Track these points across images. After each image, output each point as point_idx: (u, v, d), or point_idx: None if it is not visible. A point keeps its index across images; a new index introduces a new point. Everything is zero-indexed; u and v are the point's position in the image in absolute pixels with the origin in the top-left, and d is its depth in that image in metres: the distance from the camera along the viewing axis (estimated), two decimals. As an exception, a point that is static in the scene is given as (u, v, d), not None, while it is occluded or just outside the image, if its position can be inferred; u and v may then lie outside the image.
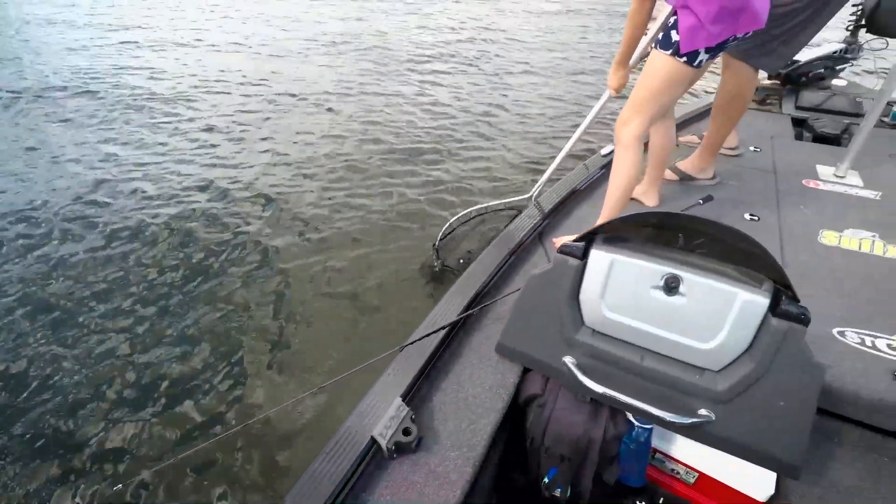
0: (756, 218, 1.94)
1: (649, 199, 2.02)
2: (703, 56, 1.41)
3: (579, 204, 2.11)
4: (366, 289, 2.47)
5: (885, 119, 2.98)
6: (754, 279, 0.95)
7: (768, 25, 1.45)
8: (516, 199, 2.72)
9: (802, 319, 0.91)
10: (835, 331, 1.39)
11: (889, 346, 1.35)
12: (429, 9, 9.51)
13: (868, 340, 1.36)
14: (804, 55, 3.58)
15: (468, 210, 2.88)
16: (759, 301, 0.92)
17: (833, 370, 1.24)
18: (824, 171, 2.35)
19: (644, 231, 1.05)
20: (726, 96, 2.03)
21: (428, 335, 1.31)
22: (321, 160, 3.72)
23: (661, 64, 1.46)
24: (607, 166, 2.27)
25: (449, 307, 1.42)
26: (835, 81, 3.44)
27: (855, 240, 1.81)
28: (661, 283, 0.99)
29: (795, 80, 3.39)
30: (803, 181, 2.27)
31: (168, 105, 4.75)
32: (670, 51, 1.42)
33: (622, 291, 1.05)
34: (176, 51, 6.56)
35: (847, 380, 1.22)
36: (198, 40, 7.07)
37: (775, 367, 0.94)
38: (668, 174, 2.23)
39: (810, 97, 3.20)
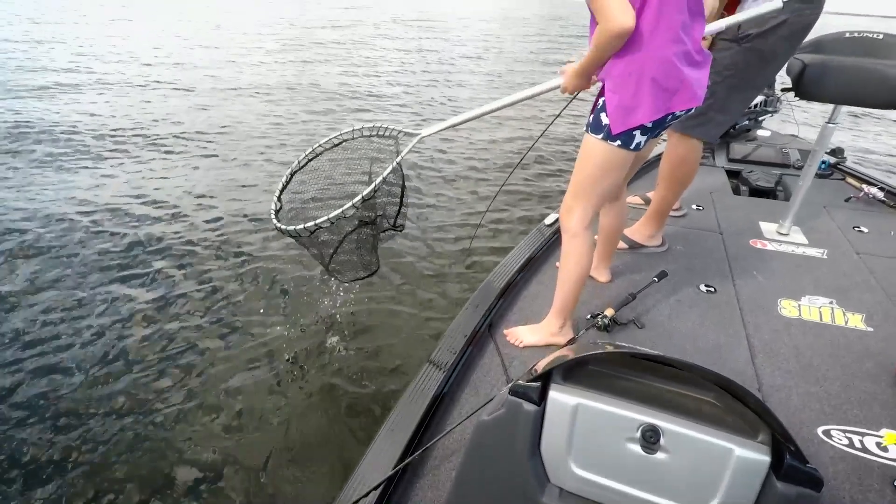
0: (712, 289, 1.85)
1: (601, 275, 1.89)
2: (639, 138, 1.26)
3: (528, 282, 1.95)
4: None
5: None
6: (749, 431, 0.78)
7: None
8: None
9: (815, 482, 0.73)
10: (820, 431, 1.26)
11: (878, 444, 1.23)
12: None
13: (856, 440, 1.23)
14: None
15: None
16: (758, 459, 0.75)
17: (830, 484, 1.09)
18: (768, 228, 2.33)
19: (611, 365, 0.87)
20: (672, 164, 1.97)
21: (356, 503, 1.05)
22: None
23: (595, 150, 1.31)
24: (555, 237, 2.14)
25: (380, 457, 1.16)
26: (759, 132, 3.59)
27: (814, 308, 1.74)
28: (638, 435, 0.80)
29: (723, 133, 3.50)
30: (750, 241, 2.23)
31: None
32: (601, 135, 1.27)
33: (591, 444, 0.85)
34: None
35: (847, 498, 1.07)
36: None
37: None
38: (618, 243, 2.12)
39: (740, 149, 3.29)
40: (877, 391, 1.39)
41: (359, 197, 1.39)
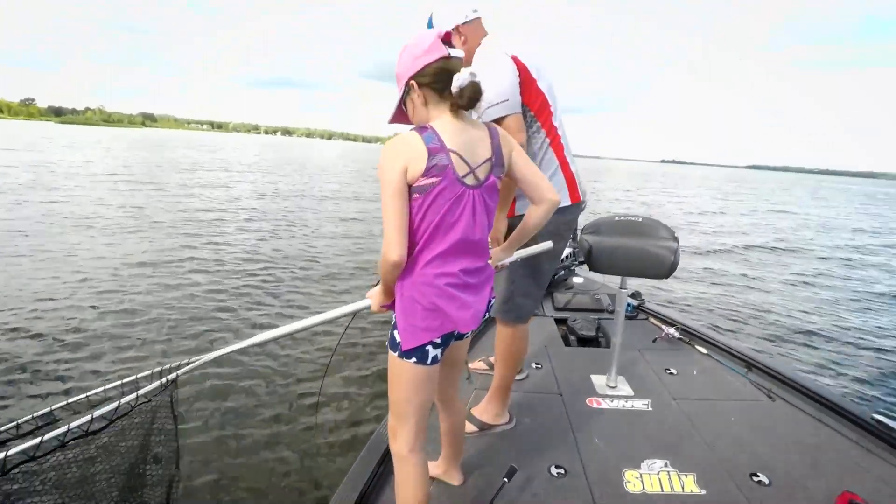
0: (562, 471, 1.80)
1: (453, 479, 1.72)
2: (434, 352, 1.25)
3: None
4: None
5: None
6: None
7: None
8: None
9: None
10: None
11: None
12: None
13: None
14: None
15: None
16: None
17: None
18: (599, 382, 2.48)
19: None
20: (504, 345, 2.02)
21: None
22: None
23: (396, 368, 1.28)
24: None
25: None
26: (574, 279, 4.07)
27: (654, 476, 1.78)
28: None
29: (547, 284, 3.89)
30: (587, 400, 2.32)
31: None
32: (397, 352, 1.26)
33: None
34: None
35: None
36: None
37: None
38: (467, 425, 2.03)
39: (561, 298, 3.64)
40: None
41: None
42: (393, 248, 1.14)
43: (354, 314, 1.42)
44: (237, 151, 44.52)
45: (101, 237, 7.27)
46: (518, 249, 1.62)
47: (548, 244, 1.78)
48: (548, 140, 1.82)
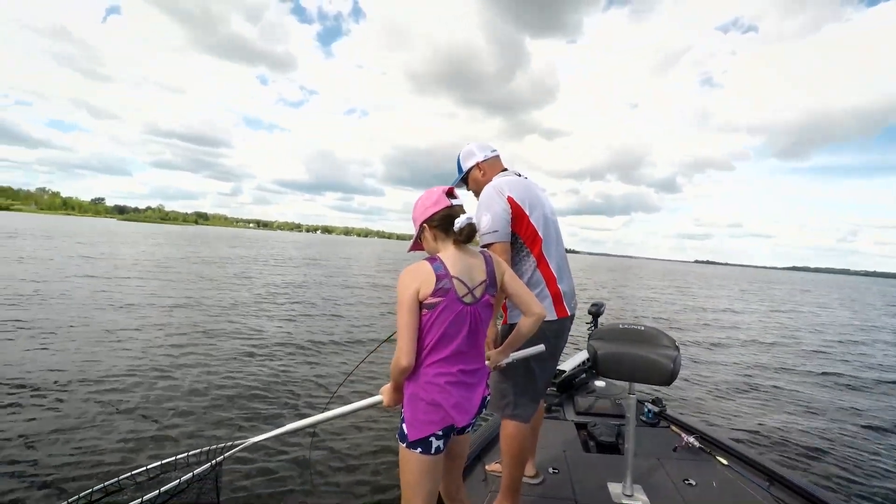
0: None
1: None
2: (437, 443, 1.47)
3: None
4: None
5: (643, 418, 3.52)
6: None
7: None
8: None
9: None
10: None
11: None
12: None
13: None
14: (567, 364, 4.30)
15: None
16: None
17: None
18: (615, 490, 2.49)
19: None
20: (506, 444, 2.14)
21: None
22: None
23: (404, 457, 1.50)
24: None
25: None
26: (596, 382, 4.11)
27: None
28: None
29: (568, 387, 3.95)
30: None
31: None
32: (405, 443, 1.48)
33: None
34: None
35: None
36: None
37: None
38: None
39: (583, 402, 3.68)
40: None
41: None
42: (404, 355, 1.42)
43: (369, 407, 1.68)
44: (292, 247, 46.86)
45: (158, 319, 7.80)
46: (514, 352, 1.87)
47: (540, 347, 2.02)
48: (535, 262, 2.12)
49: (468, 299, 1.49)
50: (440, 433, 1.46)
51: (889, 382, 7.97)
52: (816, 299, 31.02)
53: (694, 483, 2.60)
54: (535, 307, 1.62)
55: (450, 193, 1.57)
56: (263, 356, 6.37)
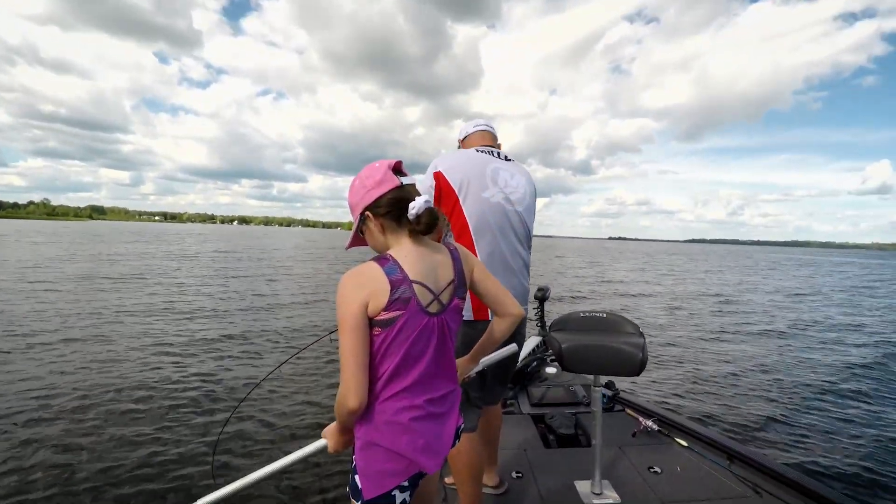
0: None
1: None
2: (401, 496, 1.13)
3: None
4: None
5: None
6: None
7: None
8: None
9: None
10: None
11: None
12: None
13: None
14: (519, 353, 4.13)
15: None
16: None
17: None
18: (584, 490, 2.33)
19: None
20: (460, 461, 1.89)
21: None
22: None
23: None
24: None
25: None
26: (547, 369, 3.97)
27: None
28: None
29: (521, 377, 3.78)
30: None
31: None
32: (359, 501, 1.12)
33: None
34: None
35: None
36: None
37: None
38: None
39: (536, 392, 3.52)
40: None
41: None
42: (352, 394, 1.05)
43: (312, 454, 1.28)
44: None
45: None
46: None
47: (512, 347, 1.76)
48: None
49: (434, 308, 1.13)
50: (405, 484, 1.12)
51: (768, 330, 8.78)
52: (711, 266, 34.23)
53: (659, 470, 2.52)
54: (512, 307, 1.31)
55: (397, 169, 1.18)
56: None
